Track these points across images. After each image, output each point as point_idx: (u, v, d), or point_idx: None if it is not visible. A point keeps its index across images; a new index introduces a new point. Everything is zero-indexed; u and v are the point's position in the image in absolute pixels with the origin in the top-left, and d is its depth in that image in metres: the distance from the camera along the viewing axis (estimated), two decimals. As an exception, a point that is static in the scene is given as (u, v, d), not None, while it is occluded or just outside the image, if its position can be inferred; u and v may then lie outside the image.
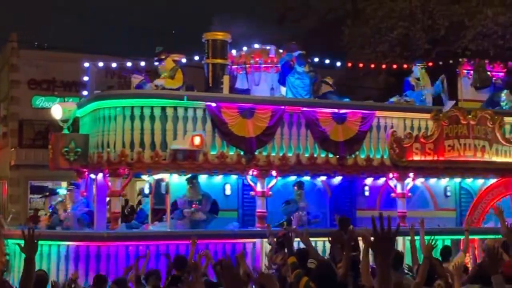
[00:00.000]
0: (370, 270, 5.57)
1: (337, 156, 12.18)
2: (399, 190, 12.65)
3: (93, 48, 31.42)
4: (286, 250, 7.21)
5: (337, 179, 12.99)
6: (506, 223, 7.26)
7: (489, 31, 20.91)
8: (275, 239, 9.22)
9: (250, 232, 11.53)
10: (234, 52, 13.28)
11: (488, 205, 13.54)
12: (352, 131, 12.31)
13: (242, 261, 7.53)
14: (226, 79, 11.97)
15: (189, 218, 11.44)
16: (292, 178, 12.28)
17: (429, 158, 12.85)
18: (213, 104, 11.42)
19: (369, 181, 13.20)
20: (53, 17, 48.36)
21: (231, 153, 11.58)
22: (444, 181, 13.85)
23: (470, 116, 13.18)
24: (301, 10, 26.25)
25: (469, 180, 13.90)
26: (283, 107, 11.94)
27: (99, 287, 7.93)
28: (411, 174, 12.68)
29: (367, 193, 13.48)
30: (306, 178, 12.67)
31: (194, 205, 11.32)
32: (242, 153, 11.60)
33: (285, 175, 12.06)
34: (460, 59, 15.62)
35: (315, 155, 12.11)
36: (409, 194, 12.73)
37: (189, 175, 11.51)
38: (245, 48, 13.50)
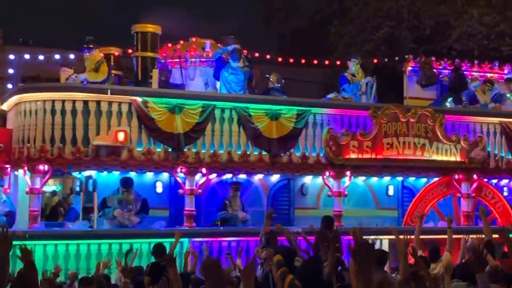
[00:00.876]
0: None
1: (271, 154, 11.84)
2: (335, 188, 12.35)
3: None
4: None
5: (275, 177, 12.68)
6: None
7: (474, 31, 21.03)
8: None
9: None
10: (170, 45, 12.92)
11: (428, 205, 13.32)
12: (287, 128, 11.98)
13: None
14: (155, 73, 11.57)
15: (119, 219, 11.07)
16: (227, 176, 11.94)
17: (366, 156, 12.57)
18: (139, 99, 11.01)
19: (308, 179, 12.91)
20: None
21: (159, 149, 11.19)
22: (386, 180, 13.62)
23: (410, 113, 12.93)
24: (288, 10, 26.28)
25: (412, 179, 13.68)
26: (214, 102, 11.58)
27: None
28: (348, 173, 12.39)
29: (306, 192, 13.20)
30: (242, 176, 12.37)
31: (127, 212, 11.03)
32: (170, 149, 11.21)
33: (215, 172, 11.70)
34: (406, 56, 15.41)
35: (247, 153, 11.76)
36: (346, 192, 12.43)
37: (123, 177, 11.19)
38: (181, 42, 13.12)
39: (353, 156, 12.43)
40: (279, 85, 13.14)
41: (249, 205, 12.76)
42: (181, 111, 11.22)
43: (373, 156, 12.61)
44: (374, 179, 13.42)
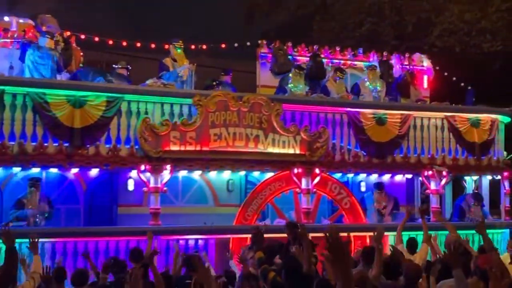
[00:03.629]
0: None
1: (73, 145, 10.63)
2: (152, 184, 11.20)
3: None
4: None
5: (94, 172, 11.48)
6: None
7: (455, 28, 21.06)
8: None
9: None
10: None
11: (266, 201, 12.31)
12: (93, 117, 10.77)
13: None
14: None
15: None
16: (16, 169, 10.70)
17: (190, 148, 11.46)
18: None
19: (134, 174, 11.74)
20: None
21: None
22: (227, 174, 12.57)
23: (241, 102, 11.87)
24: (271, 6, 26.30)
25: (256, 173, 12.66)
26: (3, 87, 10.31)
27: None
28: (168, 166, 11.26)
29: (131, 188, 12.05)
30: (54, 170, 11.18)
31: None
32: None
33: (4, 166, 10.45)
34: (260, 41, 14.38)
35: (45, 144, 10.52)
36: (165, 188, 11.30)
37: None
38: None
39: (174, 148, 11.31)
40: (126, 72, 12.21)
41: (63, 202, 11.61)
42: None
43: (198, 148, 11.51)
44: (213, 174, 12.35)
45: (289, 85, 13.21)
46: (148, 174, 11.18)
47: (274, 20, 26.24)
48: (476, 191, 14.29)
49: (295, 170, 12.24)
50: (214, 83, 13.13)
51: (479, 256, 7.42)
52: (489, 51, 21.13)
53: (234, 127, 11.76)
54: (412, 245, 9.14)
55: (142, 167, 11.13)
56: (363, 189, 13.99)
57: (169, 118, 11.37)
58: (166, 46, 12.81)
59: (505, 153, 14.65)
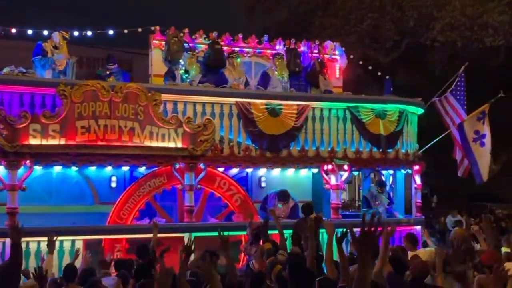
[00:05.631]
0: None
1: None
2: (8, 181, 10.29)
3: None
4: (261, 240, 7.30)
5: None
6: None
7: (457, 22, 21.01)
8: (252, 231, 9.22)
9: None
10: None
11: (144, 198, 11.45)
12: None
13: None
14: None
15: None
16: None
17: (53, 142, 10.53)
18: None
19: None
20: None
21: None
22: (108, 170, 11.69)
23: (113, 92, 10.96)
24: (271, 2, 26.33)
25: (142, 169, 11.77)
26: None
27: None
28: (27, 162, 10.36)
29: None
30: None
31: None
32: None
33: None
34: (153, 27, 13.46)
35: None
36: (24, 186, 10.38)
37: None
38: None
39: (34, 142, 10.39)
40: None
41: None
42: None
43: (63, 142, 10.60)
44: (92, 169, 11.47)
45: (181, 70, 12.34)
46: (3, 170, 10.27)
47: (275, 16, 26.40)
48: (380, 178, 13.55)
49: (177, 165, 11.39)
50: (107, 72, 12.31)
51: (483, 252, 7.57)
52: (491, 46, 21.16)
53: (105, 119, 10.85)
54: (412, 240, 9.19)
55: (-4, 163, 10.23)
56: (263, 184, 13.16)
57: (28, 110, 10.45)
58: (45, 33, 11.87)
59: (416, 146, 13.88)
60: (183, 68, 12.36)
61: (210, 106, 11.87)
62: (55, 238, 7.99)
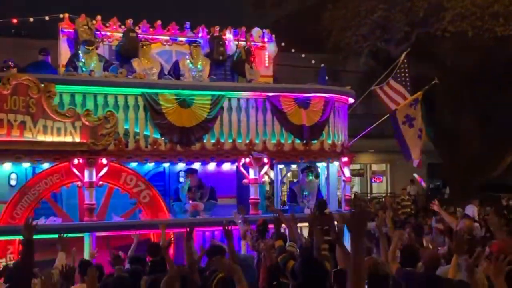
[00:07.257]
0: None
1: None
2: None
3: None
4: (270, 235, 7.70)
5: None
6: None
7: (468, 12, 20.75)
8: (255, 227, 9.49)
9: None
10: None
11: (42, 196, 10.74)
12: None
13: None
14: None
15: None
16: None
17: None
18: None
19: None
20: None
21: None
22: (8, 167, 10.99)
23: (1, 84, 10.25)
24: None
25: (46, 165, 11.05)
26: None
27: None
28: None
29: None
30: None
31: None
32: None
33: None
34: (61, 15, 12.74)
35: None
36: None
37: None
38: None
39: None
40: None
41: None
42: None
43: None
44: (-11, 165, 10.78)
45: (80, 63, 11.62)
46: None
47: (285, 8, 26.26)
48: (310, 167, 12.84)
49: (75, 161, 10.68)
50: (10, 63, 11.61)
51: (493, 241, 7.69)
52: (502, 35, 20.75)
53: (-7, 113, 10.14)
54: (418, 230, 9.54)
55: None
56: (182, 179, 12.47)
57: None
58: None
59: (345, 137, 13.17)
60: (82, 60, 11.62)
61: (113, 97, 11.14)
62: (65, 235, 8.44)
